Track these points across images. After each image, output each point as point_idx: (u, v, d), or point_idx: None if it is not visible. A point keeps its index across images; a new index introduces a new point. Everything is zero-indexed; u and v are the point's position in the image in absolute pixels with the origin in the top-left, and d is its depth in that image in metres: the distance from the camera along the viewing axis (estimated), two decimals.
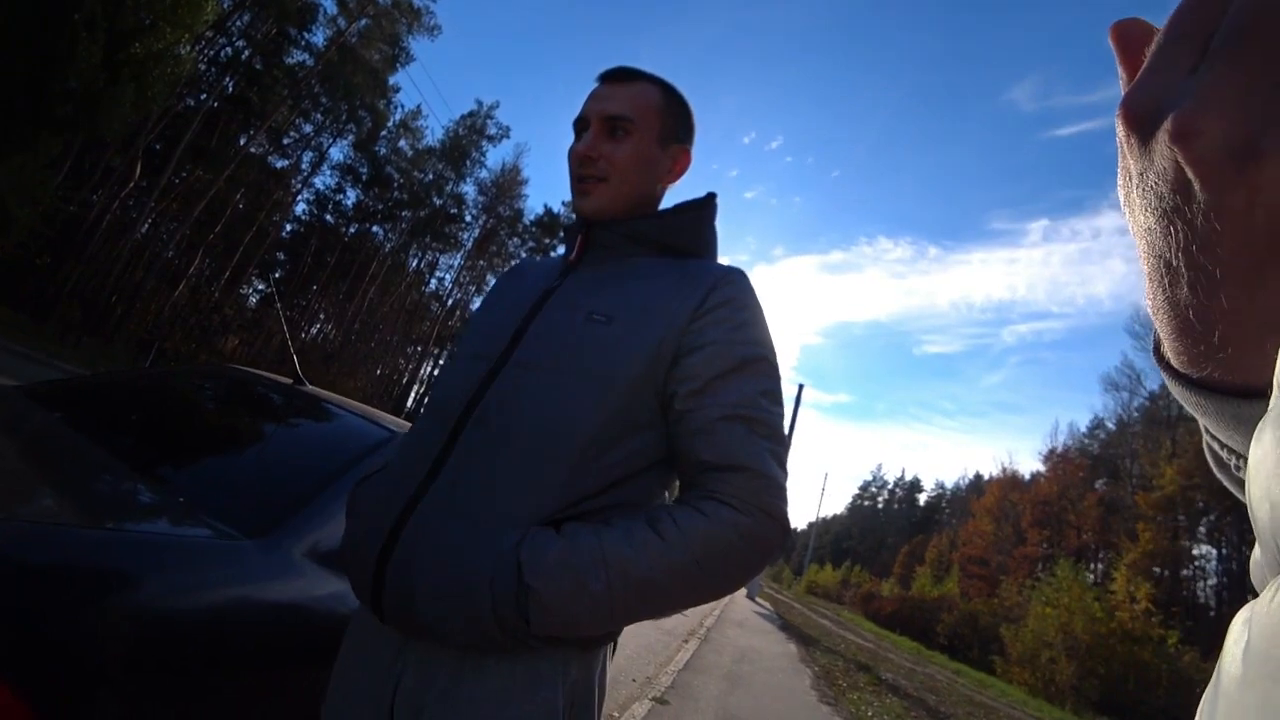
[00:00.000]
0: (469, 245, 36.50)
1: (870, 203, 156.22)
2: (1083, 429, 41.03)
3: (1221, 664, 0.18)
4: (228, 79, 23.87)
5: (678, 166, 1.00)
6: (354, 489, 0.96)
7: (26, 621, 1.01)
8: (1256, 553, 0.21)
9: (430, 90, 46.68)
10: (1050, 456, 39.48)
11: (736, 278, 0.91)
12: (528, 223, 37.79)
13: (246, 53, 24.10)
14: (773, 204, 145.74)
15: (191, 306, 24.34)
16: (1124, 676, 20.28)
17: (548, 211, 37.56)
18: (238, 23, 23.19)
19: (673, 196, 1.04)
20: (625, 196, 0.95)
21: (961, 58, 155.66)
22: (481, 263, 37.50)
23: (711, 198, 1.01)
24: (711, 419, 0.81)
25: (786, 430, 0.91)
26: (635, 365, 0.83)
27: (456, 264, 37.36)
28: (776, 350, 0.91)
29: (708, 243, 1.00)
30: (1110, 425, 38.21)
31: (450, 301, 37.38)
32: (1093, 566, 32.57)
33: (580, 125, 0.97)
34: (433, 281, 38.31)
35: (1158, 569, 28.72)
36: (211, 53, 22.93)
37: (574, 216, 1.02)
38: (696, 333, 0.85)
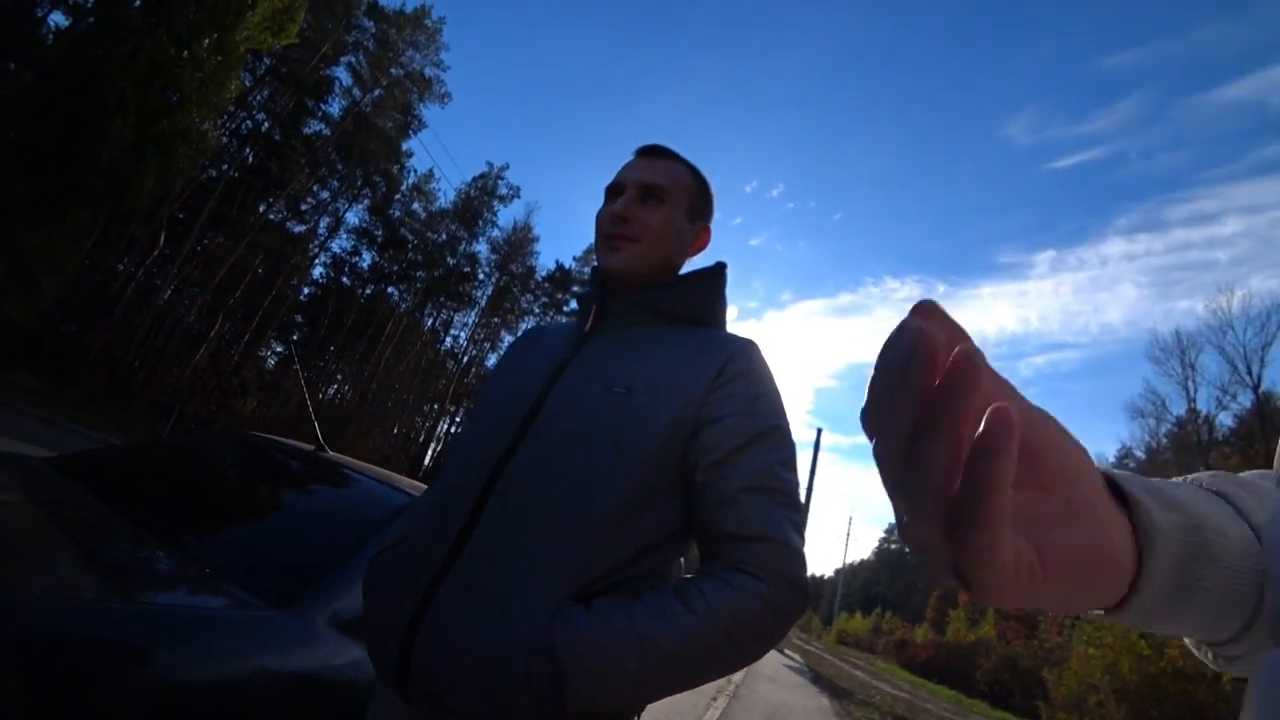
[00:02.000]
0: (483, 303, 36.92)
1: (874, 243, 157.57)
2: (1111, 459, 39.96)
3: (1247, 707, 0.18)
4: (248, 150, 24.84)
5: (699, 242, 1.06)
6: (370, 564, 0.95)
7: (58, 694, 0.99)
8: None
9: (442, 154, 48.15)
10: None
11: (749, 350, 0.93)
12: (540, 279, 38.34)
13: (266, 125, 25.14)
14: (778, 249, 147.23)
15: (211, 370, 24.71)
16: (1179, 719, 19.17)
17: (559, 267, 38.10)
18: (258, 97, 24.25)
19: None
20: (652, 260, 0.98)
21: (955, 98, 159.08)
22: (495, 320, 37.88)
23: (721, 268, 1.04)
24: (733, 490, 0.82)
25: (805, 478, 0.90)
26: (657, 438, 0.84)
27: (471, 322, 37.72)
28: (789, 417, 0.92)
29: (719, 312, 1.03)
30: (1139, 454, 37.07)
31: (465, 359, 37.62)
32: None
33: (615, 190, 1.01)
34: (447, 340, 38.64)
35: None
36: (233, 126, 23.91)
37: (587, 274, 1.04)
38: (715, 404, 0.86)
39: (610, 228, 0.98)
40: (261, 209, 25.25)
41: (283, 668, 1.38)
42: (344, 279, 32.54)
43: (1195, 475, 0.34)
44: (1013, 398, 0.25)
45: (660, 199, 0.99)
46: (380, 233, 32.11)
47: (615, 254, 0.97)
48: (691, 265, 1.08)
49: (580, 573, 0.78)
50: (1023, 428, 0.24)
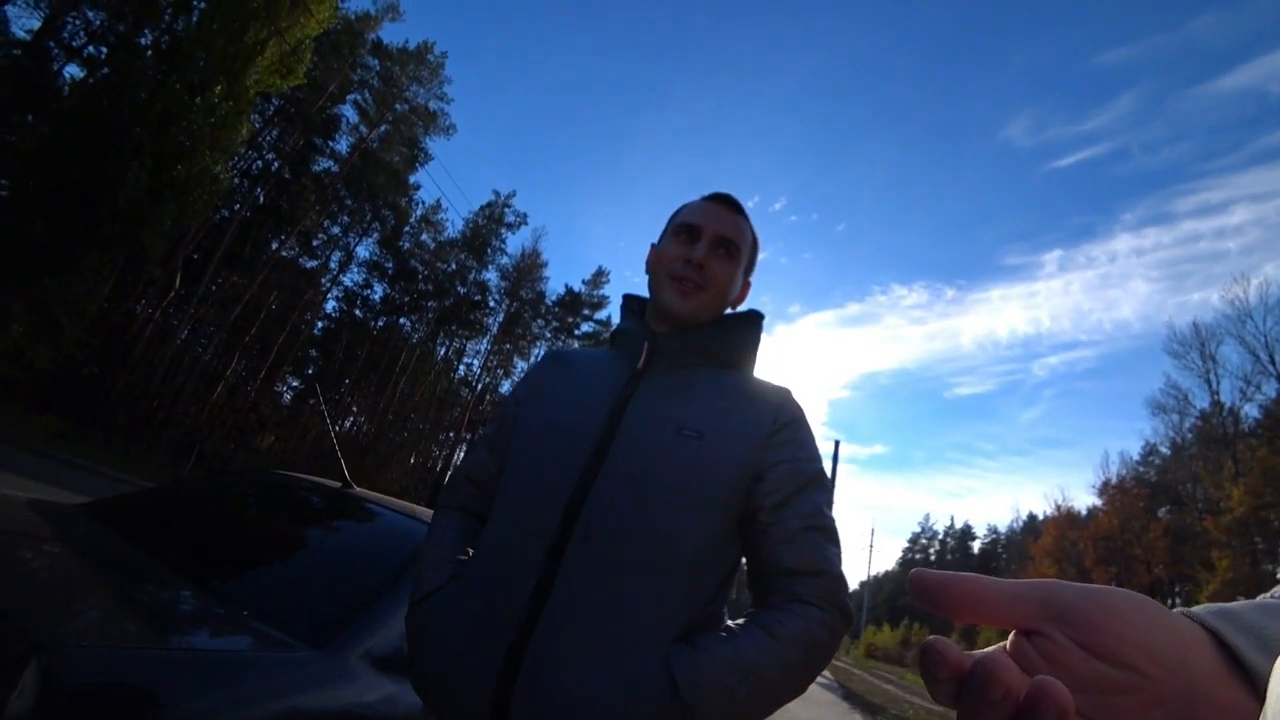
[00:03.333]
0: (494, 330, 37.17)
1: (879, 252, 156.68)
2: (1135, 456, 39.15)
3: (1268, 706, 0.19)
4: (259, 189, 25.32)
5: (743, 295, 1.12)
6: (415, 611, 0.92)
7: None
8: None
9: (449, 185, 48.74)
10: (1105, 489, 37.55)
11: (793, 400, 1.00)
12: (550, 303, 38.52)
13: (276, 164, 25.65)
14: (783, 263, 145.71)
15: (229, 407, 24.97)
16: None
17: (569, 291, 38.29)
18: (267, 138, 24.78)
19: None
20: (712, 310, 1.04)
21: (953, 104, 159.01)
22: (508, 346, 38.08)
23: (761, 317, 1.09)
24: (794, 530, 0.88)
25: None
26: (730, 482, 0.89)
27: (483, 349, 37.95)
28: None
29: (754, 358, 1.09)
30: (1164, 450, 36.36)
31: (479, 386, 37.80)
32: (1170, 602, 30.46)
33: (689, 231, 1.05)
34: (461, 368, 38.84)
35: (1242, 598, 26.74)
36: (244, 166, 24.41)
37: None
38: (773, 450, 0.93)
39: (684, 270, 1.01)
40: (274, 246, 25.66)
41: (320, 707, 1.39)
42: (357, 312, 32.94)
43: None
44: (1052, 607, 0.25)
45: (730, 254, 1.04)
46: (391, 265, 32.52)
47: (684, 299, 1.01)
48: None
49: (677, 612, 0.82)
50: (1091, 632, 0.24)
